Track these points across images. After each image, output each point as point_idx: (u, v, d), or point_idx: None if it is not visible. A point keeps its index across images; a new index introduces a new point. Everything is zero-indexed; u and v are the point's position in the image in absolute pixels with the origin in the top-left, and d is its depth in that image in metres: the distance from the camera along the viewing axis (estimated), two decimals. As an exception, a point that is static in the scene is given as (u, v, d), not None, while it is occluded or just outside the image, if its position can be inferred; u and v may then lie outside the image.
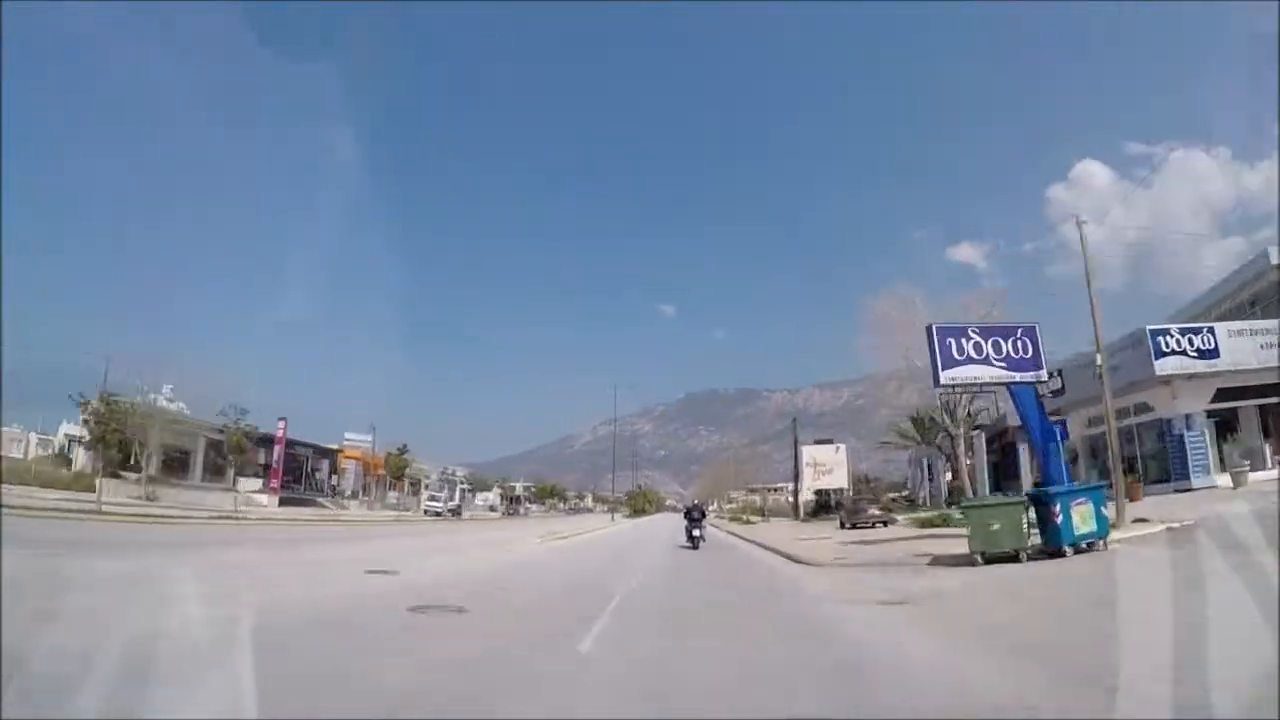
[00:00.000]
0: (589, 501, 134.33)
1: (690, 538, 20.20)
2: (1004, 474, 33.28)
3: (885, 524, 26.49)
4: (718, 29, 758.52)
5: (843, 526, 28.55)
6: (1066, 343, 28.64)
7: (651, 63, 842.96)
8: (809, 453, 42.21)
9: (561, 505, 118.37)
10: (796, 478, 43.22)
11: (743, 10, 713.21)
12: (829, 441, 48.47)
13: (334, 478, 64.01)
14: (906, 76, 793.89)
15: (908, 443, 44.29)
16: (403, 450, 54.36)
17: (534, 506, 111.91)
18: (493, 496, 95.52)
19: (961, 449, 32.12)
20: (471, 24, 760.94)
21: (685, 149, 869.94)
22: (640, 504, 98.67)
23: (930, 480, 39.63)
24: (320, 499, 54.59)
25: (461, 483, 77.23)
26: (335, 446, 65.21)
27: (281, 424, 48.65)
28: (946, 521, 22.63)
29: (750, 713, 4.04)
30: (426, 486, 72.66)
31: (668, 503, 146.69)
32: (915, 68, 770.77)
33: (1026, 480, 32.23)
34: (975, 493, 31.72)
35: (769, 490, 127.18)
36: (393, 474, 55.38)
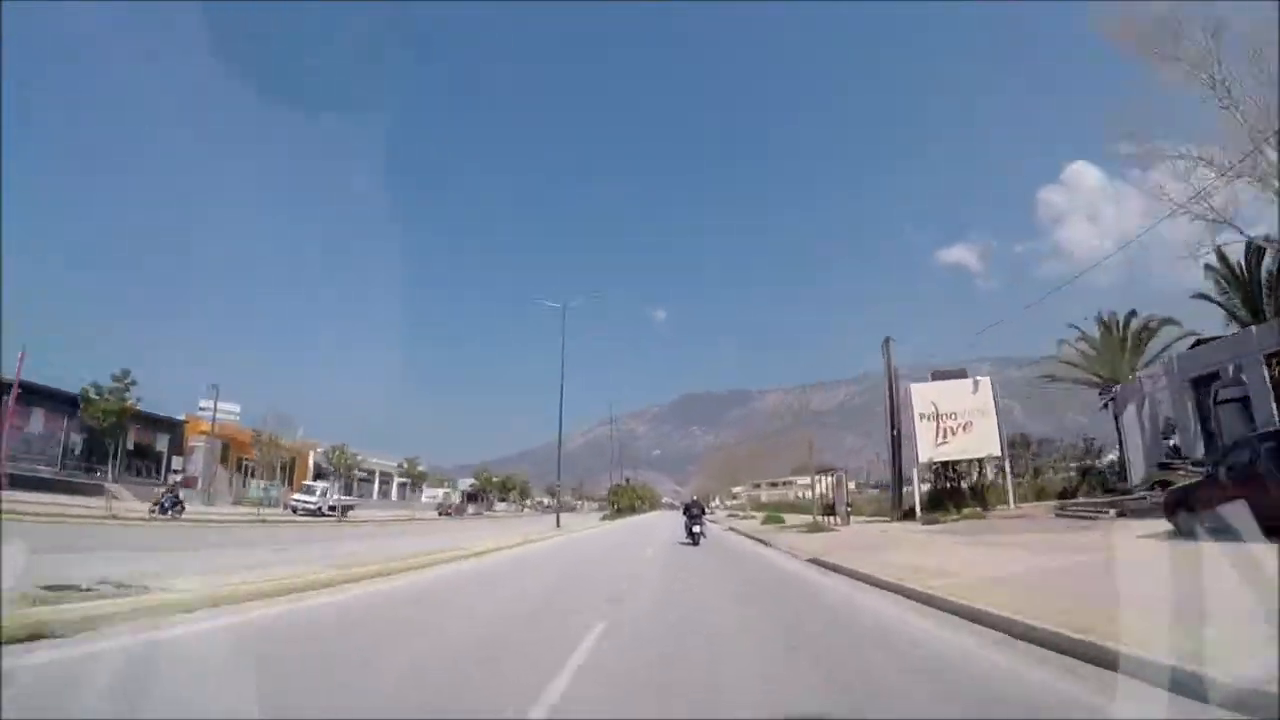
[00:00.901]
0: (570, 498, 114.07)
1: (690, 534, 18.57)
2: None
3: None
4: (718, 29, 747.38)
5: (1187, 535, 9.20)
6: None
7: (651, 63, 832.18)
8: (922, 395, 22.48)
9: (526, 504, 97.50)
10: (895, 442, 23.38)
11: (743, 10, 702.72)
12: (958, 375, 24.01)
13: (178, 460, 44.22)
14: (905, 79, 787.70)
15: (1095, 371, 24.93)
16: (124, 382, 30.64)
17: (503, 505, 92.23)
18: (440, 493, 75.82)
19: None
20: (471, 24, 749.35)
21: (683, 149, 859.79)
22: (629, 501, 78.59)
23: (1172, 435, 20.08)
24: (116, 487, 34.50)
25: (329, 473, 55.03)
26: (181, 418, 45.56)
27: (19, 357, 28.64)
28: None
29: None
30: (312, 477, 52.97)
31: (664, 500, 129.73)
32: (913, 68, 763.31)
33: None
34: None
35: (778, 485, 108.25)
36: (95, 424, 31.96)
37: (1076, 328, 26.65)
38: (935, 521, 19.97)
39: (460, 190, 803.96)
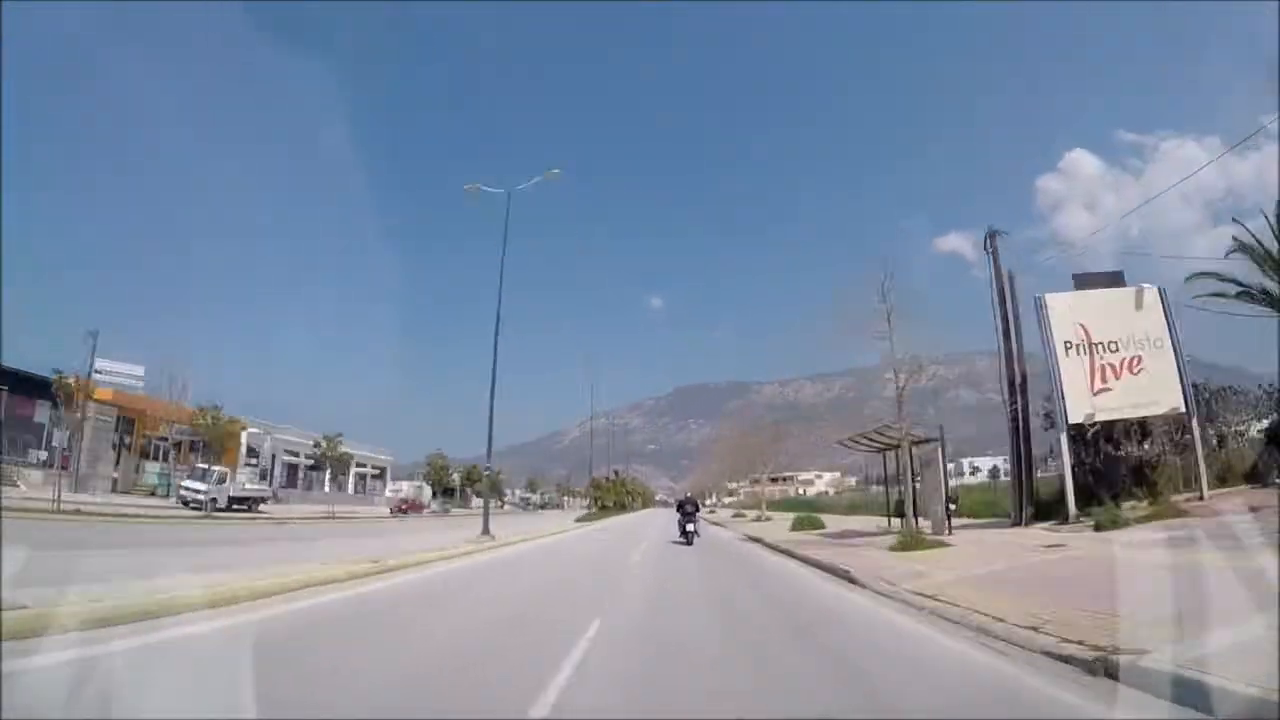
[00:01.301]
0: (554, 493, 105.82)
1: (684, 532, 18.04)
2: None
3: None
4: (717, 29, 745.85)
5: None
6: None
7: (651, 63, 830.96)
8: (1064, 313, 14.22)
9: (506, 499, 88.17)
10: (1019, 391, 15.07)
11: (743, 10, 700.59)
12: (1114, 281, 15.80)
13: (59, 432, 35.93)
14: (903, 77, 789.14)
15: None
16: None
17: (480, 502, 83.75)
18: (405, 486, 67.62)
19: None
20: (471, 24, 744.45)
21: (681, 146, 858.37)
22: (616, 497, 70.39)
23: None
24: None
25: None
26: (67, 379, 37.16)
27: None
28: None
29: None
30: (250, 460, 44.95)
31: (658, 497, 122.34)
32: (911, 67, 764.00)
33: None
34: None
35: (778, 480, 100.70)
36: None
37: (1240, 222, 18.17)
38: (1116, 523, 11.86)
39: (457, 191, 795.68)
